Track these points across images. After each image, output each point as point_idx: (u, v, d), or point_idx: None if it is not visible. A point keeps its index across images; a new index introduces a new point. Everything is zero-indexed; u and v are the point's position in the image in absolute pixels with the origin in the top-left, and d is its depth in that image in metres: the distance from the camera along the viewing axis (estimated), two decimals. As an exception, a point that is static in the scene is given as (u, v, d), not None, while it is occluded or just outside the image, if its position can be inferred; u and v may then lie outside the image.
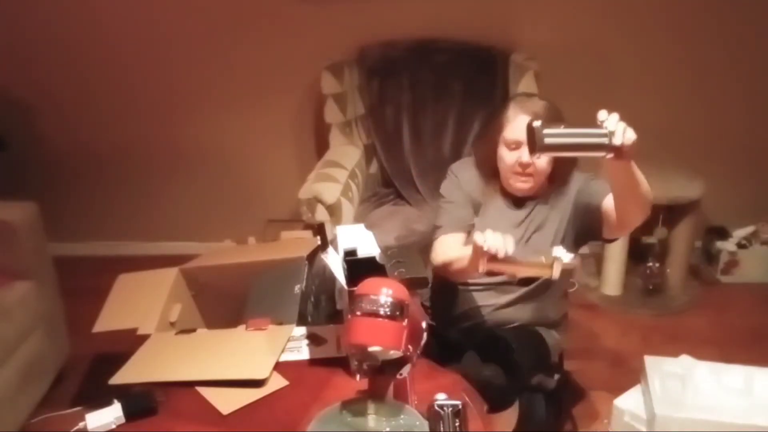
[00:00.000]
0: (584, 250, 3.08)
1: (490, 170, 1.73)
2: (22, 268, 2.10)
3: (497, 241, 1.36)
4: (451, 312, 1.76)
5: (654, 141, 2.97)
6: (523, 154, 1.61)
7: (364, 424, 1.19)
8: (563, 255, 1.34)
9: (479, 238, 1.37)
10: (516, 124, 1.62)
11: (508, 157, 1.65)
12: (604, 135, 1.24)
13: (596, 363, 2.42)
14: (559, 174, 1.68)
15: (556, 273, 1.35)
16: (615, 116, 1.24)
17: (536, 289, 1.71)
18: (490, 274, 1.43)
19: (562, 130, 1.29)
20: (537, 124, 1.26)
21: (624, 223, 1.51)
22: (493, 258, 1.36)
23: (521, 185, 1.67)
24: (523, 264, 1.40)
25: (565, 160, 1.66)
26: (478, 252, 1.38)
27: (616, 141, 1.22)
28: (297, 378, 1.44)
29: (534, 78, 2.49)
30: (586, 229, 1.66)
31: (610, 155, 1.26)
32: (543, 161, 1.63)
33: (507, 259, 1.37)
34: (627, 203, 1.44)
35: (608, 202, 1.53)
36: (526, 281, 1.69)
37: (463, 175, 1.79)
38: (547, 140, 1.26)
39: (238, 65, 2.96)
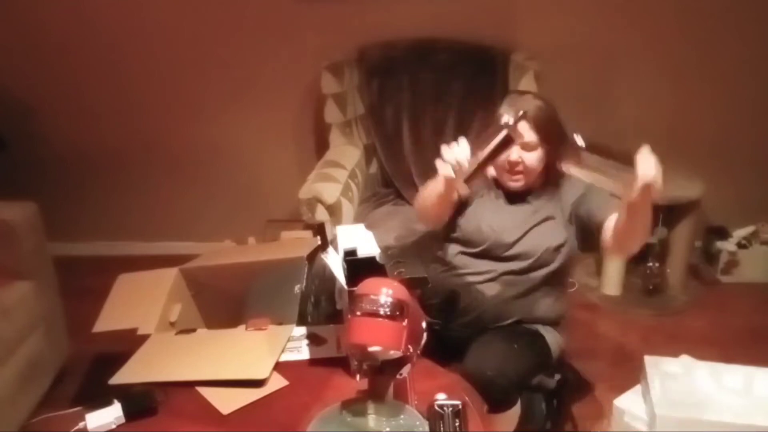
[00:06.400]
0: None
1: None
2: (22, 268, 2.10)
3: (451, 152, 1.45)
4: (451, 307, 1.76)
5: (654, 141, 2.96)
6: (512, 152, 1.62)
7: (364, 424, 1.19)
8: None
9: (444, 153, 1.46)
10: None
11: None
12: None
13: (596, 363, 2.42)
14: (554, 172, 1.69)
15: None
16: (650, 173, 1.32)
17: (537, 282, 1.71)
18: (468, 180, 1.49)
19: (597, 159, 1.33)
20: (579, 140, 1.31)
21: (622, 247, 1.58)
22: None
23: (512, 183, 1.69)
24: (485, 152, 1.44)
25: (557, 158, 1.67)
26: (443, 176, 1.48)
27: (634, 194, 1.32)
28: (297, 378, 1.44)
29: (534, 78, 2.49)
30: (581, 234, 1.69)
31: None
32: (533, 159, 1.64)
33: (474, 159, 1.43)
34: (632, 231, 1.48)
35: (610, 223, 1.57)
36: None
37: None
38: (577, 164, 1.32)
39: (238, 65, 2.96)
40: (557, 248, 1.69)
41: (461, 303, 1.74)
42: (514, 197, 1.73)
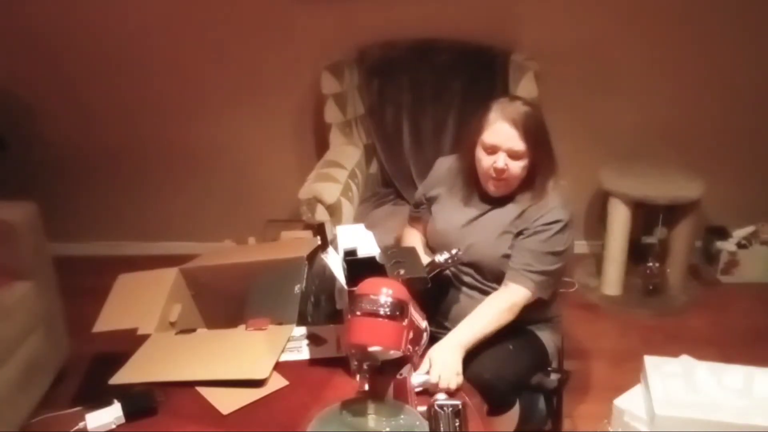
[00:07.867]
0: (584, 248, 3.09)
1: (468, 168, 1.73)
2: (22, 268, 2.10)
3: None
4: (441, 310, 1.76)
5: (654, 141, 2.98)
6: (498, 159, 1.61)
7: (364, 424, 1.19)
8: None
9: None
10: (494, 128, 1.61)
11: (484, 160, 1.64)
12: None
13: (596, 363, 2.42)
14: (536, 184, 1.66)
15: None
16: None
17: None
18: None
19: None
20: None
21: None
22: None
23: (495, 189, 1.67)
24: None
25: (543, 171, 1.65)
26: None
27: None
28: (297, 378, 1.45)
29: (534, 78, 2.48)
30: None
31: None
32: (518, 167, 1.62)
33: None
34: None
35: (504, 287, 1.63)
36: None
37: (440, 167, 1.84)
38: None
39: (238, 65, 2.96)
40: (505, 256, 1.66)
41: (444, 302, 1.74)
42: (491, 200, 1.71)
